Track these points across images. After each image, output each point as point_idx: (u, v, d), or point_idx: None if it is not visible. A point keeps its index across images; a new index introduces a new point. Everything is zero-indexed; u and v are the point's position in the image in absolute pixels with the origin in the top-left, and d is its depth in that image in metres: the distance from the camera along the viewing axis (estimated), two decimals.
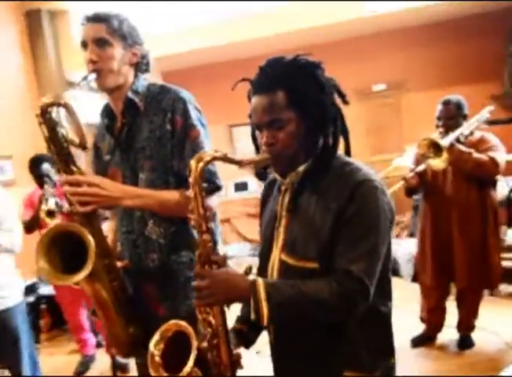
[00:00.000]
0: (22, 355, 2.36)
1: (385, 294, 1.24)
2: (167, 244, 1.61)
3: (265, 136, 1.18)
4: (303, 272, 1.17)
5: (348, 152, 1.29)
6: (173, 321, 1.15)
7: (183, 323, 1.14)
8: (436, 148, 2.72)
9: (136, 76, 1.65)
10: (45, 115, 1.32)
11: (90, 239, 1.33)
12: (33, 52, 6.43)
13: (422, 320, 3.16)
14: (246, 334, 1.35)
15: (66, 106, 1.34)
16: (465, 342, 3.04)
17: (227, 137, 7.50)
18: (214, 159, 1.13)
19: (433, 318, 3.09)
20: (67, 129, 1.39)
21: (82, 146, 1.39)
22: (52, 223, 2.83)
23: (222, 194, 1.67)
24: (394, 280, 1.27)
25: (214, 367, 1.21)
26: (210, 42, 6.34)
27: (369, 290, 1.10)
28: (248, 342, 1.38)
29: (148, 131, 1.59)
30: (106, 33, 1.55)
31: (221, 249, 1.78)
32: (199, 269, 1.13)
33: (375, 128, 7.00)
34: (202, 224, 1.13)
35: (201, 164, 1.10)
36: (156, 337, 1.14)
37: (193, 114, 1.58)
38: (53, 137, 1.35)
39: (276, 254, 1.26)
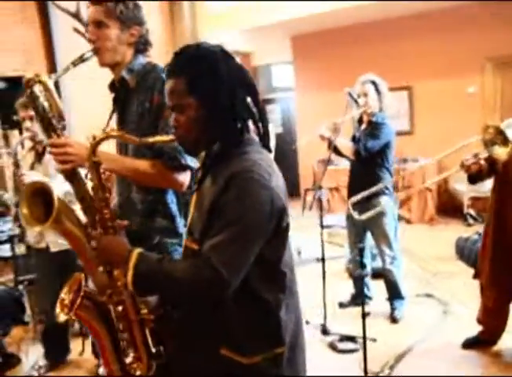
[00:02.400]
0: None
1: (275, 285, 1.24)
2: (144, 210, 1.78)
3: (172, 119, 1.24)
4: (192, 253, 1.24)
5: (263, 142, 1.27)
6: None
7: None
8: (504, 137, 2.39)
9: (135, 55, 1.80)
10: (29, 87, 1.56)
11: (55, 194, 1.54)
12: (171, 17, 7.02)
13: (478, 321, 2.86)
14: None
15: (42, 82, 1.55)
16: None
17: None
18: (109, 137, 1.25)
19: (490, 321, 2.78)
20: (53, 102, 1.61)
21: (60, 117, 1.60)
22: None
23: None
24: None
25: (120, 321, 1.37)
26: (331, 6, 6.16)
27: (224, 281, 1.10)
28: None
29: (135, 106, 1.75)
30: (103, 15, 1.71)
31: None
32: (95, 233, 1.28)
33: None
34: (99, 192, 1.27)
35: (96, 140, 1.24)
36: (65, 288, 1.35)
37: None
38: (35, 107, 1.58)
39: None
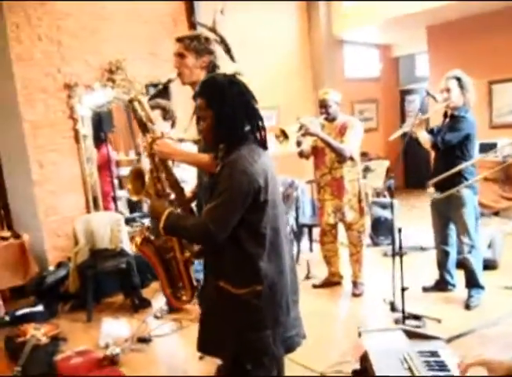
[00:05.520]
0: None
1: (256, 242, 1.74)
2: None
3: (200, 125, 1.86)
4: None
5: (259, 143, 1.80)
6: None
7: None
8: None
9: (207, 75, 2.43)
10: (131, 103, 2.30)
11: (146, 176, 2.24)
12: (308, 16, 7.61)
13: None
14: None
15: (139, 100, 2.26)
16: None
17: (484, 93, 7.00)
18: (161, 137, 1.92)
19: None
20: (146, 113, 2.31)
21: (151, 122, 2.31)
22: None
23: None
24: None
25: (171, 260, 2.05)
26: None
27: (212, 233, 1.66)
28: None
29: None
30: (183, 49, 2.39)
31: None
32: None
33: None
34: (153, 173, 1.97)
35: (152, 139, 1.93)
36: (137, 234, 2.08)
37: None
38: (136, 116, 2.31)
39: None
